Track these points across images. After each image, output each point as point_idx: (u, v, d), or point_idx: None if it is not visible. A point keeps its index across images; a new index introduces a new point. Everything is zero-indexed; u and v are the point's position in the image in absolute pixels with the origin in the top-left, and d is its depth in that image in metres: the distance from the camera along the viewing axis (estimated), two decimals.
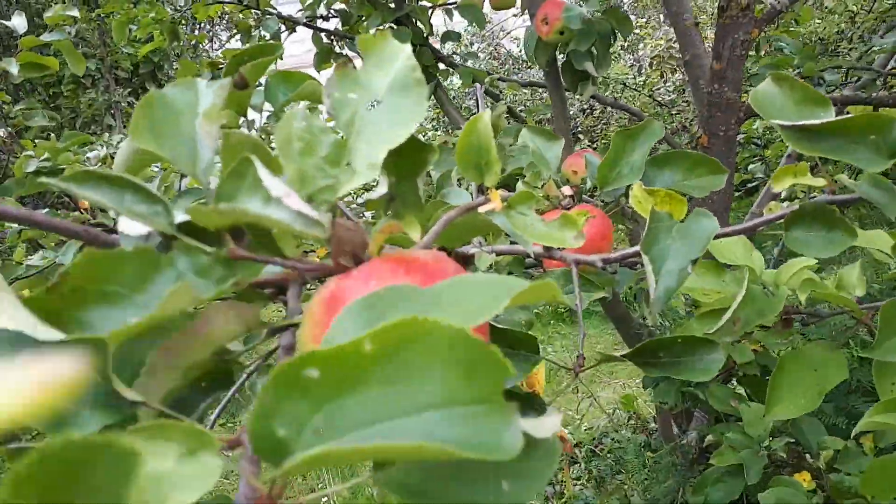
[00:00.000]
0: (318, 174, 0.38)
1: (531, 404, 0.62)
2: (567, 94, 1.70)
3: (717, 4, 1.57)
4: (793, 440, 1.27)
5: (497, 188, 0.50)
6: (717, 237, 0.57)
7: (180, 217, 0.35)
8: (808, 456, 1.28)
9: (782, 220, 0.58)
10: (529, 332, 0.64)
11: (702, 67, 1.65)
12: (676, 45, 5.11)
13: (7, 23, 1.52)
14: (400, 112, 0.37)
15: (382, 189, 0.39)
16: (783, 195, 0.80)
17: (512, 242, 1.26)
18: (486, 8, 1.88)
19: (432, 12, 1.84)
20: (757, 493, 1.16)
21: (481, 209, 0.51)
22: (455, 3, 1.86)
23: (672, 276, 0.51)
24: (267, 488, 0.24)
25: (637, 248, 0.70)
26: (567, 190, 1.17)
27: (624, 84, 4.21)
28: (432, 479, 0.24)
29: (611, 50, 1.58)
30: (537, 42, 1.59)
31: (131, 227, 0.37)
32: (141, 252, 0.32)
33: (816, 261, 0.85)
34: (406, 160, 0.40)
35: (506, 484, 0.23)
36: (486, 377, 0.22)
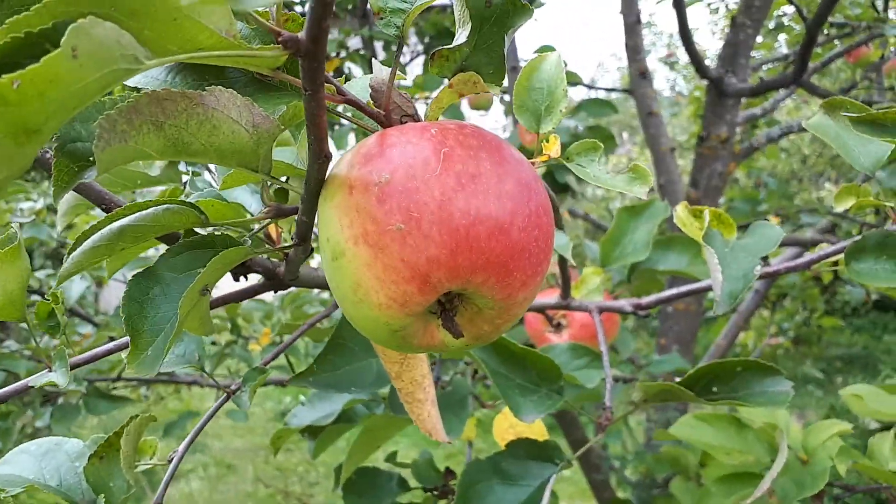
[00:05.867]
0: None
1: None
2: None
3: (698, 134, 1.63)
4: None
5: None
6: (764, 276, 0.51)
7: None
8: None
9: (841, 254, 0.52)
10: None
11: (675, 193, 1.68)
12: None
13: None
14: None
15: (462, 38, 0.31)
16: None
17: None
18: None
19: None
20: None
21: (538, 159, 0.44)
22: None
23: (737, 281, 0.44)
24: None
25: (680, 289, 0.63)
26: (554, 268, 1.11)
27: (583, 195, 4.32)
28: None
29: None
30: (519, 149, 1.60)
31: None
32: None
33: (852, 426, 0.81)
34: (498, 25, 0.32)
35: None
36: None
